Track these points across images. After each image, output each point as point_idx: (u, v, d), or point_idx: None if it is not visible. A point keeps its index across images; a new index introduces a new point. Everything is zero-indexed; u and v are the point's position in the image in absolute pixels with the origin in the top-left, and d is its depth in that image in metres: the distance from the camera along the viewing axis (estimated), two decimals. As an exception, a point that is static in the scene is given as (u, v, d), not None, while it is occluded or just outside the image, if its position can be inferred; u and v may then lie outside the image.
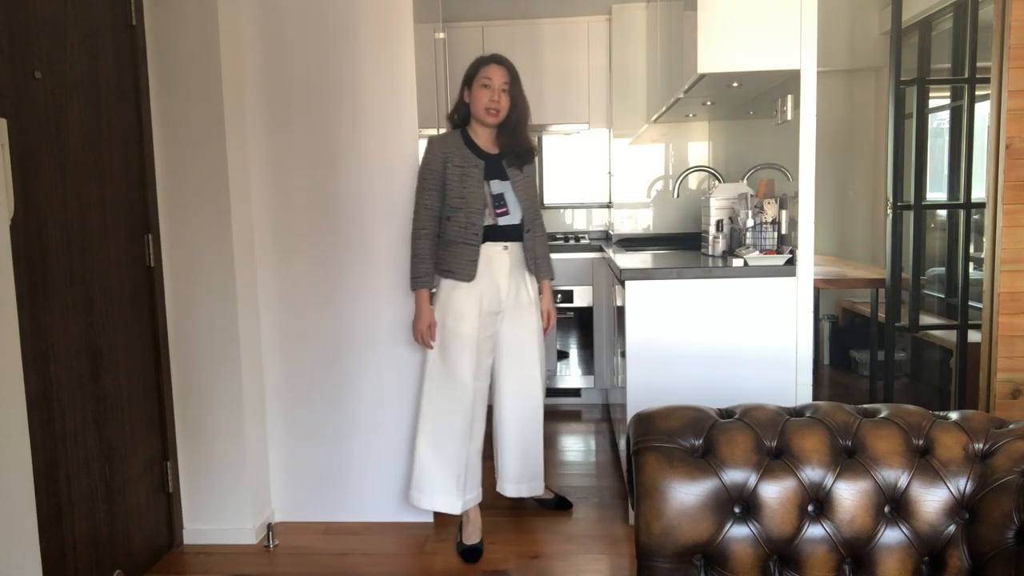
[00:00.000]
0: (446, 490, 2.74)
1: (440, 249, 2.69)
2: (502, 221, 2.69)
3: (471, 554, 2.70)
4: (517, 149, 2.70)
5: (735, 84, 2.95)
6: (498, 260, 2.70)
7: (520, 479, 2.94)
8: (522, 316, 2.80)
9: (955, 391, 3.55)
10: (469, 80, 2.69)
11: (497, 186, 2.69)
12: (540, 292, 2.87)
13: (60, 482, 2.22)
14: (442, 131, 2.85)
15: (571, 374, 4.58)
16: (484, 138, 2.71)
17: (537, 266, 2.83)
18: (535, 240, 2.81)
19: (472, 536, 2.77)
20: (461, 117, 2.74)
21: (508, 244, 2.71)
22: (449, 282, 2.67)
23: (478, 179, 2.64)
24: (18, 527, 1.90)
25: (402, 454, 3.00)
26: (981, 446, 1.47)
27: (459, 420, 2.71)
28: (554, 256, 4.34)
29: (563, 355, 4.55)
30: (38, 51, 2.15)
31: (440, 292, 2.71)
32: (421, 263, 2.63)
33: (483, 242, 2.66)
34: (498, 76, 2.65)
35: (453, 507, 2.75)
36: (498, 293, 2.71)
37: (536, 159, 2.87)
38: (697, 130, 4.67)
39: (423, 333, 2.66)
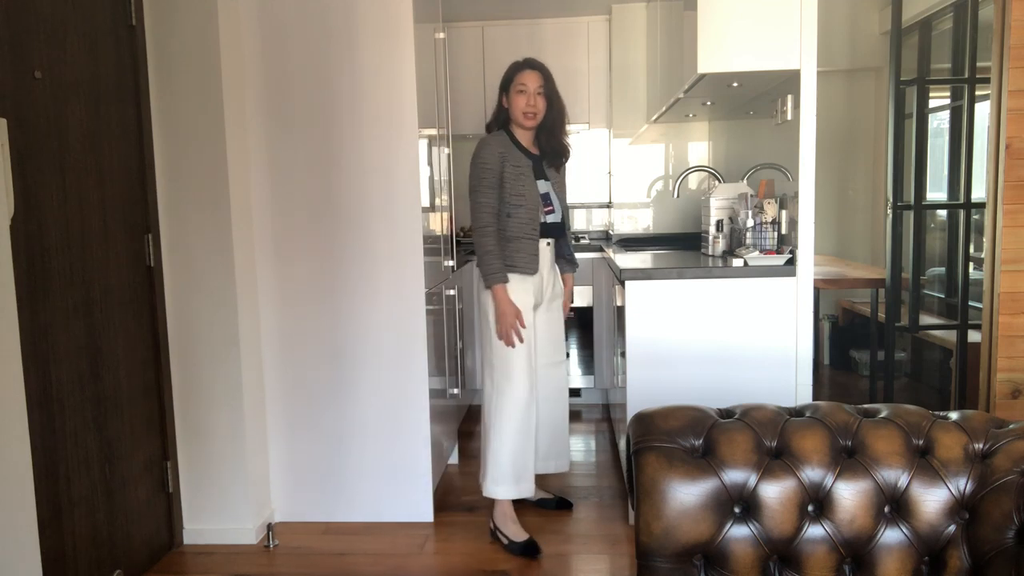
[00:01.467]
0: (524, 476, 2.81)
1: (502, 245, 2.79)
2: (549, 219, 2.84)
3: (532, 548, 2.72)
4: (557, 148, 2.86)
5: (735, 84, 2.95)
6: (544, 255, 2.85)
7: (548, 456, 3.08)
8: (553, 307, 3.00)
9: (955, 391, 3.55)
10: (506, 86, 2.82)
11: (543, 185, 2.85)
12: (565, 284, 3.07)
13: (60, 482, 2.22)
14: (483, 134, 2.95)
15: (571, 374, 4.58)
16: (525, 140, 2.84)
17: (569, 260, 3.06)
18: (566, 236, 3.03)
19: (522, 532, 2.79)
20: (500, 122, 2.85)
21: (550, 240, 2.88)
22: (514, 276, 2.77)
23: (531, 178, 2.78)
24: (18, 527, 1.90)
25: (402, 454, 3.00)
26: (981, 446, 1.47)
27: (523, 408, 2.78)
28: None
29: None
30: (38, 51, 2.15)
31: (510, 284, 2.83)
32: (494, 259, 2.70)
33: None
34: (533, 80, 2.77)
35: (529, 491, 2.83)
36: (542, 286, 2.88)
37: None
38: (697, 130, 4.67)
39: (512, 327, 2.72)
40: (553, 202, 2.87)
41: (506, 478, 2.78)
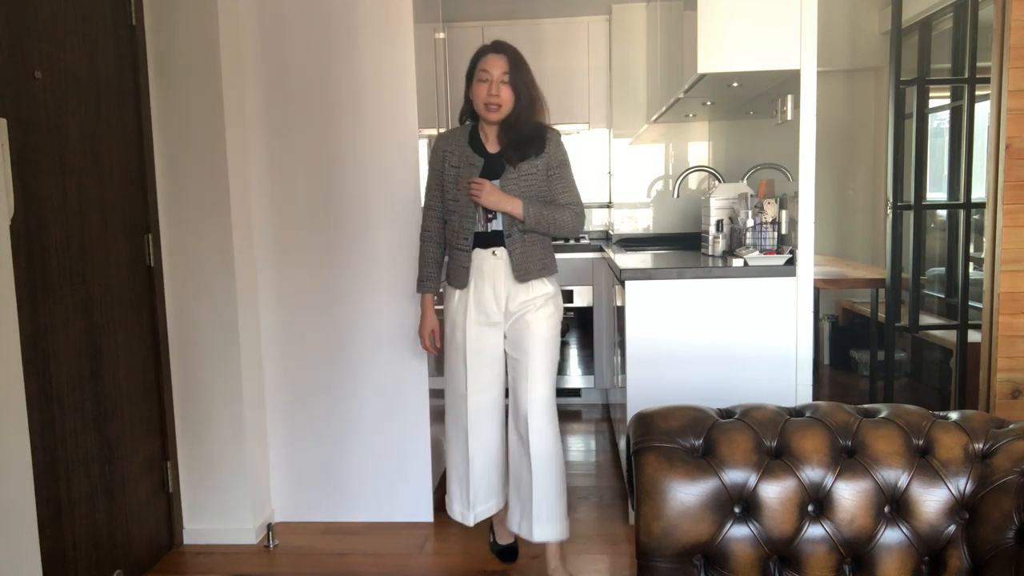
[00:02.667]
0: (459, 499, 2.55)
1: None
2: (493, 226, 2.42)
3: (507, 554, 2.68)
4: (517, 142, 2.40)
5: (735, 84, 2.95)
6: (489, 267, 2.43)
7: (519, 515, 2.50)
8: (526, 327, 2.44)
9: (955, 391, 3.55)
10: (469, 74, 2.46)
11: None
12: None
13: (60, 482, 2.22)
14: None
15: (571, 374, 4.58)
16: (492, 135, 2.45)
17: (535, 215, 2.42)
18: (550, 216, 2.42)
19: (505, 536, 2.67)
20: (469, 113, 2.51)
21: (497, 250, 2.41)
22: (449, 289, 2.52)
23: (472, 178, 2.42)
24: (18, 527, 1.90)
25: (402, 454, 3.00)
26: (981, 446, 1.47)
27: (459, 433, 2.50)
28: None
29: (562, 356, 4.55)
30: (38, 51, 2.15)
31: (445, 297, 2.57)
32: (424, 266, 2.53)
33: (474, 248, 2.43)
34: (496, 66, 2.38)
35: (464, 518, 2.54)
36: (493, 303, 2.44)
37: (552, 148, 2.43)
38: (697, 130, 4.68)
39: (425, 339, 2.57)
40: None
41: (454, 499, 2.55)
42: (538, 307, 2.45)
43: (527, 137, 2.40)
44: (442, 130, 2.47)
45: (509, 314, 2.45)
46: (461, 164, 2.42)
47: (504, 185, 2.38)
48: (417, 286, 2.56)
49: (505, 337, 2.48)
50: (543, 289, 2.46)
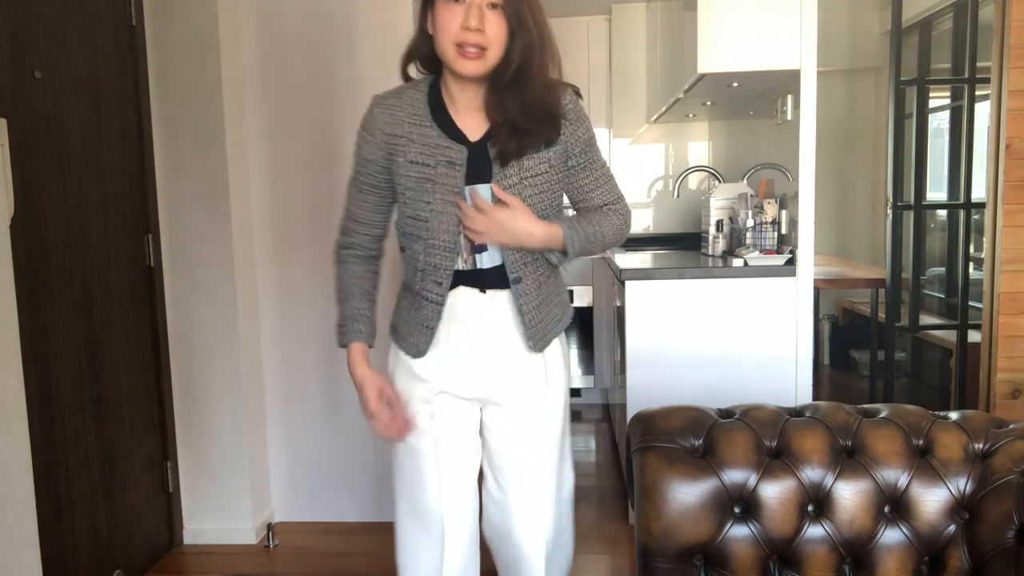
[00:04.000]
0: None
1: (399, 297, 1.66)
2: (485, 261, 1.52)
3: None
4: (516, 119, 1.44)
5: (735, 84, 2.95)
6: (473, 314, 1.55)
7: None
8: (525, 411, 1.60)
9: (955, 391, 3.55)
10: None
11: (485, 193, 1.49)
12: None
13: (60, 482, 2.22)
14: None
15: (572, 374, 4.58)
16: (466, 104, 1.49)
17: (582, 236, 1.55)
18: (598, 236, 1.57)
19: None
20: (425, 63, 1.55)
21: (493, 291, 1.54)
22: (394, 352, 1.64)
23: (451, 185, 1.47)
24: (18, 527, 1.90)
25: (402, 454, 3.00)
26: (981, 446, 1.47)
27: (427, 548, 1.64)
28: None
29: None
30: (38, 51, 2.15)
31: (388, 354, 1.66)
32: (347, 300, 1.60)
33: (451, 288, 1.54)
34: None
35: None
36: (475, 378, 1.58)
37: (571, 127, 1.52)
38: (697, 130, 4.68)
39: (374, 409, 1.55)
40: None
41: None
42: (550, 380, 1.60)
43: (535, 113, 1.44)
44: (376, 93, 1.55)
45: (499, 396, 1.59)
46: (430, 160, 1.47)
47: (516, 191, 1.49)
48: (338, 333, 1.60)
49: (481, 420, 1.64)
50: (556, 351, 1.62)
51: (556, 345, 1.62)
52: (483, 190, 1.48)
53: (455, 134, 1.49)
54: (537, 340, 1.56)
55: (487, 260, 1.52)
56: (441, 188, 1.47)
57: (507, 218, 1.46)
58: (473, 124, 1.50)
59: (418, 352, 1.57)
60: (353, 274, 1.62)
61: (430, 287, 1.53)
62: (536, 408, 1.61)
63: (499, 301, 1.55)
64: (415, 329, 1.56)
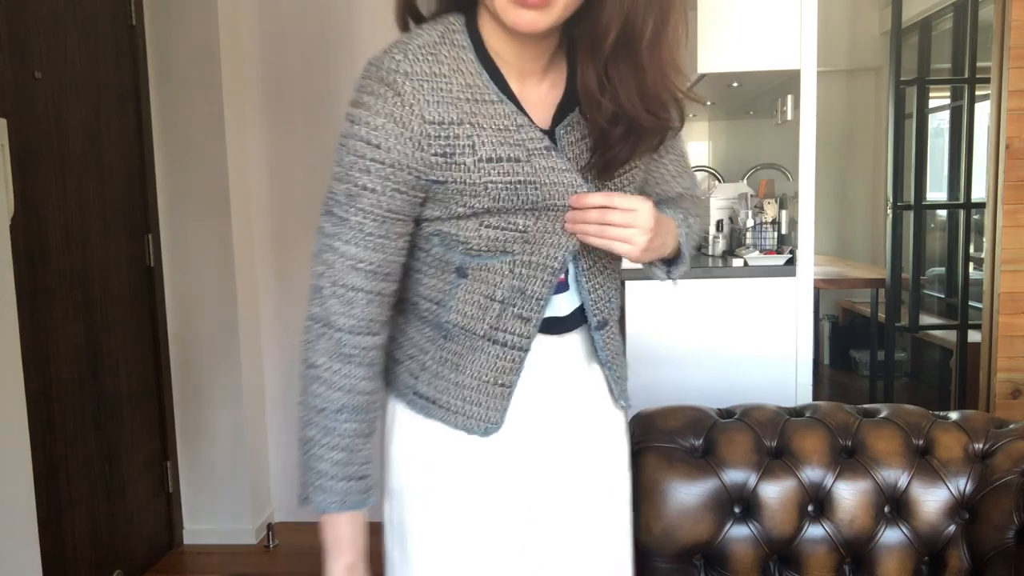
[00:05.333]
0: None
1: (416, 343, 1.05)
2: (560, 306, 1.05)
3: None
4: (632, 113, 0.94)
5: (735, 84, 2.95)
6: (554, 369, 1.07)
7: None
8: (592, 506, 1.11)
9: (955, 391, 3.55)
10: None
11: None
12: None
13: (60, 482, 2.22)
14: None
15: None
16: (521, 63, 0.98)
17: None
18: (694, 234, 1.18)
19: None
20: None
21: (568, 335, 1.07)
22: (426, 427, 1.04)
23: (563, 183, 0.97)
24: (18, 527, 1.90)
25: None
26: (981, 446, 1.47)
27: None
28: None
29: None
30: (38, 51, 2.15)
31: (400, 448, 1.07)
32: (330, 446, 0.98)
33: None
34: None
35: None
36: (534, 457, 1.06)
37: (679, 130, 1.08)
38: (697, 130, 4.68)
39: None
40: (582, 251, 1.03)
41: None
42: (617, 452, 1.15)
43: (656, 105, 0.95)
44: (401, 61, 0.92)
45: (560, 479, 1.08)
46: (518, 151, 0.95)
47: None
48: (311, 490, 1.01)
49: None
50: (619, 412, 1.16)
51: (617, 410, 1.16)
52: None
53: (518, 106, 0.96)
54: (622, 389, 1.15)
55: (567, 302, 1.05)
56: (550, 188, 0.95)
57: (650, 211, 0.96)
58: (538, 98, 0.98)
59: (489, 425, 1.01)
60: (356, 388, 0.97)
61: (511, 325, 1.00)
62: (623, 495, 1.14)
63: (572, 345, 1.08)
64: (481, 391, 1.01)
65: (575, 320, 1.07)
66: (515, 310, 1.00)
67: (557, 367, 1.07)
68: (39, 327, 2.13)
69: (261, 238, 2.95)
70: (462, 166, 0.92)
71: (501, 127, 0.94)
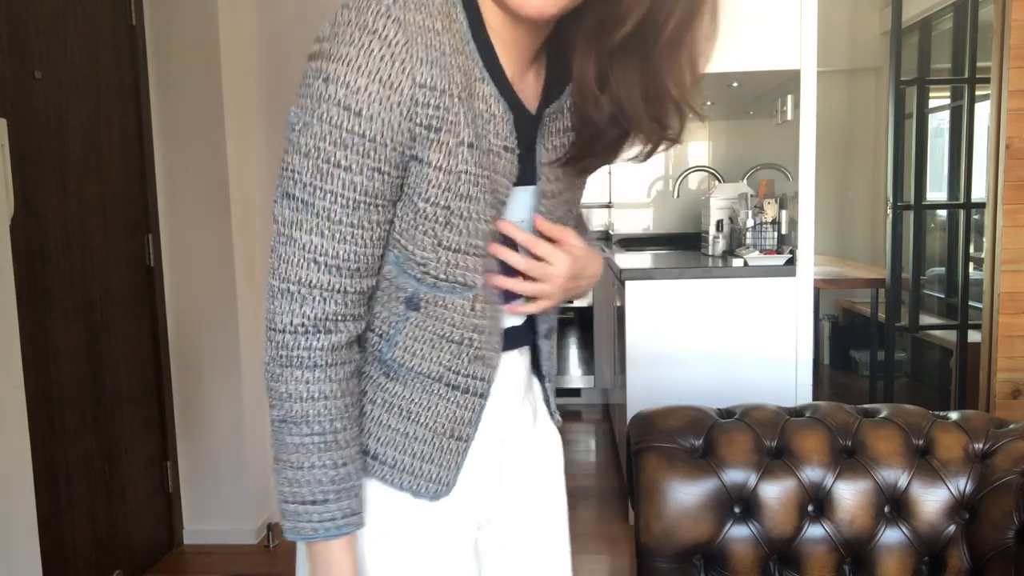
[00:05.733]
0: None
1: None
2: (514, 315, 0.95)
3: None
4: (631, 111, 0.83)
5: (735, 84, 2.95)
6: (512, 387, 0.97)
7: None
8: (540, 530, 1.05)
9: (955, 391, 3.55)
10: None
11: (520, 206, 0.90)
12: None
13: (60, 482, 2.22)
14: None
15: (571, 374, 4.58)
16: (520, 48, 0.84)
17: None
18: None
19: None
20: None
21: (519, 351, 0.97)
22: (385, 495, 0.90)
23: (505, 184, 0.85)
24: (18, 527, 1.90)
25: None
26: (981, 446, 1.47)
27: None
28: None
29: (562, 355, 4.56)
30: (38, 51, 2.15)
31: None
32: (308, 452, 0.91)
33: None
34: None
35: None
36: (505, 465, 0.98)
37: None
38: (697, 130, 4.67)
39: None
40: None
41: None
42: (558, 471, 1.09)
43: (661, 105, 0.86)
44: (391, 6, 0.76)
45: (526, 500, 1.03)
46: (493, 142, 0.83)
47: (543, 205, 0.91)
48: (311, 517, 0.87)
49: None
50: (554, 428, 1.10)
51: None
52: (517, 203, 0.88)
53: (511, 98, 0.84)
54: (558, 414, 1.08)
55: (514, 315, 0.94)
56: (501, 195, 0.84)
57: (583, 256, 0.93)
58: (525, 86, 0.87)
59: (439, 488, 0.89)
60: (348, 392, 0.84)
61: (472, 368, 0.87)
62: (561, 503, 1.08)
63: (523, 364, 0.98)
64: (434, 445, 0.88)
65: (525, 331, 0.96)
66: (473, 351, 0.87)
67: (515, 385, 0.96)
68: (39, 327, 2.13)
69: (261, 238, 2.95)
70: (444, 146, 0.78)
71: (479, 111, 0.80)
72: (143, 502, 2.66)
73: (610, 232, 4.89)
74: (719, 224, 3.14)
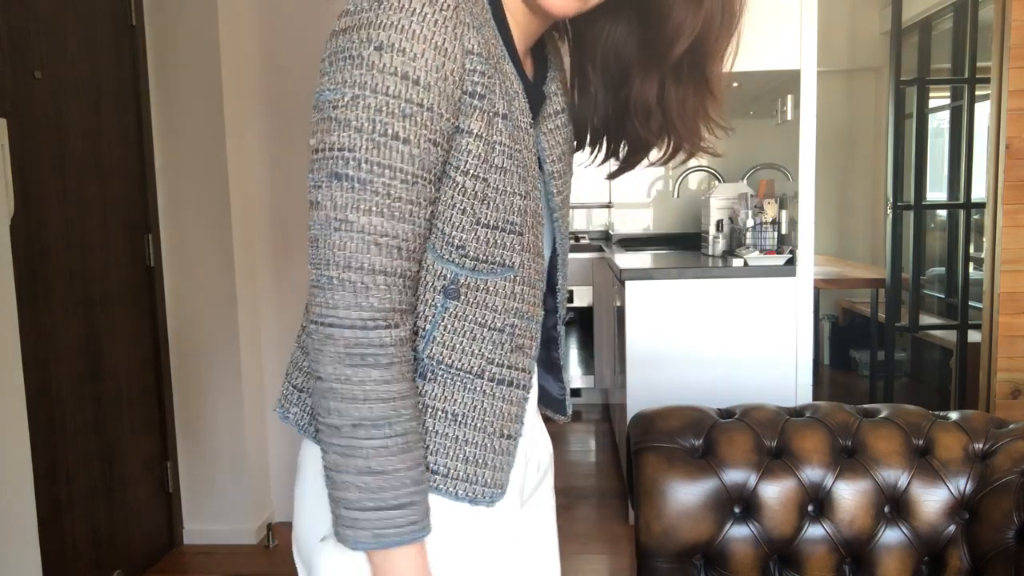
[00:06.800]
0: None
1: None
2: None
3: None
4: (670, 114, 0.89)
5: (735, 84, 2.95)
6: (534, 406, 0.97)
7: None
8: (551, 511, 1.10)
9: (955, 391, 3.56)
10: None
11: (559, 180, 0.94)
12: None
13: (60, 482, 2.22)
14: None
15: (571, 374, 4.58)
16: (529, 31, 0.86)
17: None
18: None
19: None
20: None
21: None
22: (440, 507, 0.82)
23: (534, 162, 0.85)
24: (18, 527, 1.90)
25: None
26: (981, 446, 1.47)
27: None
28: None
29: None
30: (38, 51, 2.15)
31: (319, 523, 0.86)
32: (390, 454, 0.76)
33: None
34: None
35: None
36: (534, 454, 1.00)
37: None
38: (697, 130, 4.67)
39: None
40: (560, 243, 0.94)
41: None
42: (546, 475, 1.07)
43: (692, 119, 0.91)
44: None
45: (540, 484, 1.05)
46: (521, 120, 0.83)
47: (553, 186, 0.92)
48: (342, 529, 0.77)
49: None
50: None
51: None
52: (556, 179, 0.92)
53: (524, 79, 0.85)
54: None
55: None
56: (531, 172, 0.83)
57: None
58: (528, 69, 0.89)
59: (496, 492, 0.85)
60: (373, 395, 0.76)
61: (515, 359, 0.85)
62: (551, 492, 1.09)
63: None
64: (486, 447, 0.84)
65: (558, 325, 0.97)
66: (514, 340, 0.84)
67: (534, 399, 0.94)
68: (39, 327, 2.13)
69: (261, 238, 2.95)
70: (484, 114, 0.76)
71: (507, 89, 0.80)
72: (143, 502, 2.66)
73: (610, 232, 4.89)
74: (719, 224, 3.14)
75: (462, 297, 0.80)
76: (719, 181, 3.94)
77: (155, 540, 2.75)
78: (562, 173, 0.92)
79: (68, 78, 2.28)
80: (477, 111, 0.76)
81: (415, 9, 0.72)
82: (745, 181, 3.43)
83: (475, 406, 0.83)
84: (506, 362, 0.84)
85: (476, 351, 0.82)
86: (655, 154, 0.93)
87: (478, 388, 0.83)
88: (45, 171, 2.17)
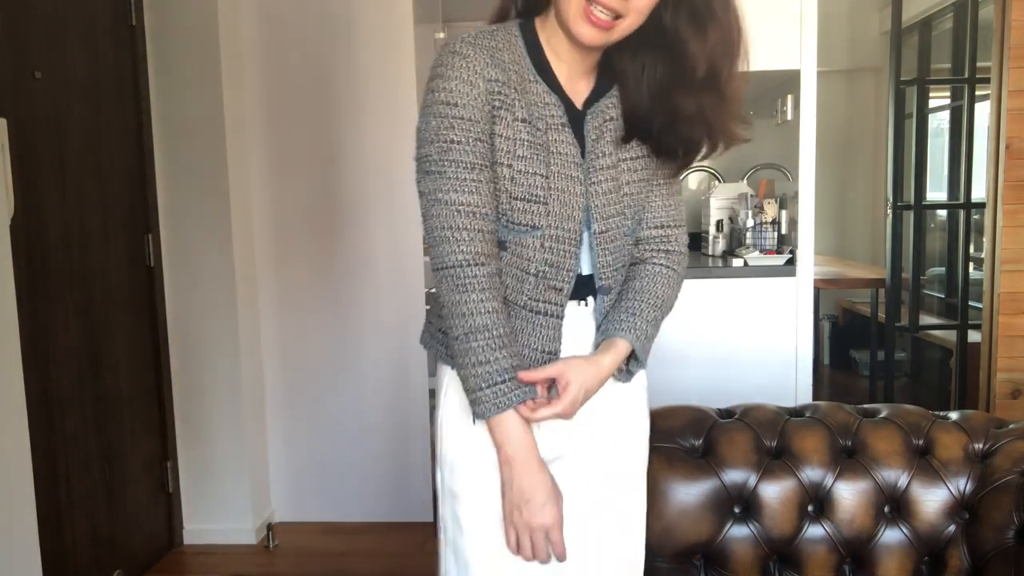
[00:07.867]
0: None
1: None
2: (583, 266, 1.21)
3: None
4: (643, 121, 1.19)
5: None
6: (579, 332, 1.23)
7: None
8: (610, 462, 1.27)
9: (955, 391, 3.55)
10: None
11: (600, 169, 1.21)
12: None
13: (60, 482, 2.22)
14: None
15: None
16: (574, 62, 1.18)
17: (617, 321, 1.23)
18: (660, 316, 1.33)
19: None
20: (523, 5, 1.22)
21: (587, 300, 1.23)
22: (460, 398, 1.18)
23: (571, 155, 1.17)
24: (18, 527, 1.90)
25: (402, 454, 2.99)
26: (981, 446, 1.47)
27: None
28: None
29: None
30: (38, 51, 2.15)
31: (449, 421, 1.22)
32: (491, 350, 1.10)
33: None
34: None
35: None
36: (581, 417, 1.21)
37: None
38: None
39: (547, 527, 1.14)
40: (594, 216, 1.18)
41: None
42: (635, 419, 1.34)
43: (723, 131, 1.23)
44: (465, 37, 1.14)
45: (582, 432, 1.23)
46: (540, 122, 1.14)
47: (592, 178, 1.18)
48: (488, 397, 1.10)
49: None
50: (641, 381, 1.40)
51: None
52: (590, 168, 1.19)
53: (554, 86, 1.17)
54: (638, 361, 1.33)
55: (585, 264, 1.21)
56: (559, 159, 1.15)
57: (582, 369, 1.17)
58: (576, 89, 1.20)
59: (530, 389, 1.13)
60: (477, 311, 1.09)
61: (547, 295, 1.17)
62: (641, 454, 1.33)
63: (588, 314, 1.23)
64: (530, 359, 1.17)
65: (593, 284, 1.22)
66: (549, 281, 1.17)
67: (582, 333, 1.23)
68: (39, 327, 2.13)
69: (261, 238, 2.95)
70: (504, 120, 1.12)
71: (532, 101, 1.15)
72: (143, 502, 2.66)
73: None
74: (719, 224, 3.14)
75: (509, 249, 1.15)
76: (719, 181, 3.94)
77: (155, 540, 2.75)
78: (604, 167, 1.19)
79: (68, 78, 2.28)
80: (499, 118, 1.11)
81: (447, 63, 1.11)
82: (745, 181, 3.43)
83: (524, 329, 1.17)
84: (542, 298, 1.17)
85: (521, 289, 1.16)
86: (705, 150, 1.23)
87: (524, 317, 1.17)
88: (45, 171, 2.17)
